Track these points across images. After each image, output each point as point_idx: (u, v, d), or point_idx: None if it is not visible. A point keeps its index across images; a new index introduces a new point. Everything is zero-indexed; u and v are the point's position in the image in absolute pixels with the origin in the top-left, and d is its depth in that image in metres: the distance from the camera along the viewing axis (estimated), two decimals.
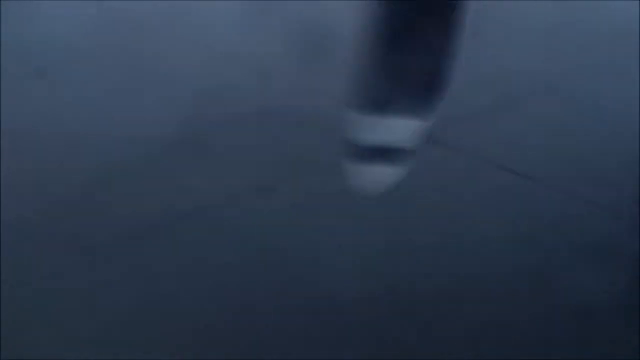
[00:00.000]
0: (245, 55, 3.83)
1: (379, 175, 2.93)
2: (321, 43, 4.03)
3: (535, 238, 2.53)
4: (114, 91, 3.47)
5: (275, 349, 2.05)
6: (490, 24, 4.42)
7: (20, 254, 2.36)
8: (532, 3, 4.43)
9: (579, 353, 2.07)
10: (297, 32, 4.16)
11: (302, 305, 2.21)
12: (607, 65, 3.82)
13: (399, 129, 3.23)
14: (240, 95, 3.43)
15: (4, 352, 1.92)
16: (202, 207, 2.63)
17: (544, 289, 2.29)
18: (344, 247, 2.46)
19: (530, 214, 2.66)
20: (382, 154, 3.09)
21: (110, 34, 3.99)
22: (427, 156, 3.03)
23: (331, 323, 2.13)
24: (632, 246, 2.51)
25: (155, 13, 4.12)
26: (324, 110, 3.34)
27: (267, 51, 3.91)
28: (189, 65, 3.79)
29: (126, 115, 3.28)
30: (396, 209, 2.65)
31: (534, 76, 3.73)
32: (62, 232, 2.49)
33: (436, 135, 3.16)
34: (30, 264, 2.34)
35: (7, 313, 2.09)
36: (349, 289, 2.27)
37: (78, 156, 2.96)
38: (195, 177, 2.81)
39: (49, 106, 3.35)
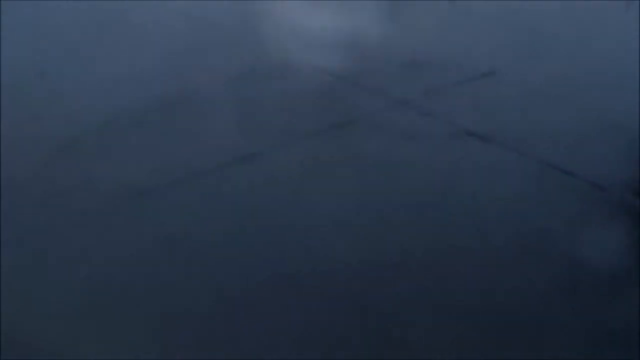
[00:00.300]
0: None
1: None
2: None
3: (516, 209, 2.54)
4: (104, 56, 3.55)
5: (264, 318, 2.06)
6: None
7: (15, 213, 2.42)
8: None
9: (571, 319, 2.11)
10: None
11: (293, 272, 2.23)
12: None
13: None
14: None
15: (4, 353, 1.92)
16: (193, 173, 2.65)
17: (535, 262, 2.30)
18: (333, 214, 2.47)
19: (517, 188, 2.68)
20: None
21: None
22: (406, 123, 3.08)
23: (319, 289, 2.15)
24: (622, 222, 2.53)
25: None
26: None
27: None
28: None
29: (115, 81, 3.30)
30: (382, 176, 2.69)
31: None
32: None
33: (415, 103, 3.20)
34: (25, 223, 2.39)
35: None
36: (340, 256, 2.28)
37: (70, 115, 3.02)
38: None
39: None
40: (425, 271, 2.26)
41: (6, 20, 3.93)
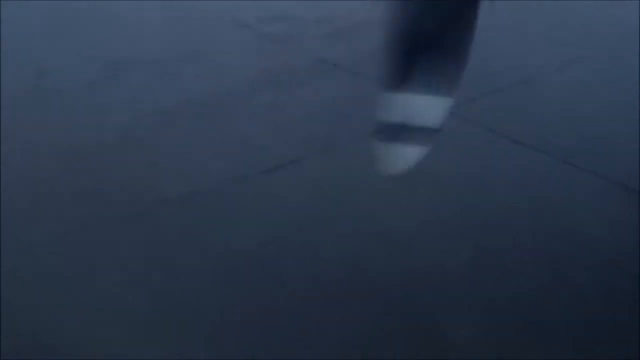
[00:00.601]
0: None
1: (403, 153, 2.92)
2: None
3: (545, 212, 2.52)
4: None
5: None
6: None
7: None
8: None
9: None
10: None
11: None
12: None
13: (423, 106, 3.21)
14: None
15: (4, 353, 1.91)
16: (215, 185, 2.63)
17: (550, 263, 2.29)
18: (362, 221, 2.45)
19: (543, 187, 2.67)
20: (407, 131, 3.07)
21: None
22: (448, 131, 3.02)
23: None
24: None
25: None
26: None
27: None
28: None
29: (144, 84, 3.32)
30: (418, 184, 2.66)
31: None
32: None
33: (457, 111, 3.14)
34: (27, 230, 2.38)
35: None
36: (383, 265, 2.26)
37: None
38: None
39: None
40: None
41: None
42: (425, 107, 3.22)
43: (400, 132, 3.07)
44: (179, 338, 2.00)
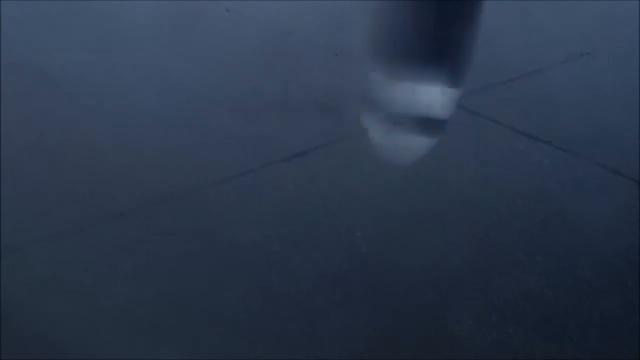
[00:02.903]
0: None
1: (409, 142, 2.91)
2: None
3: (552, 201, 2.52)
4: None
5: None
6: None
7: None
8: None
9: None
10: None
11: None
12: None
13: (429, 96, 3.21)
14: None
15: (4, 353, 1.89)
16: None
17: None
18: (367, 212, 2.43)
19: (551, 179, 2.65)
20: (413, 121, 3.07)
21: None
22: (453, 123, 3.03)
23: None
24: None
25: None
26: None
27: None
28: None
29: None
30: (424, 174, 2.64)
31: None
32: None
33: (463, 103, 3.14)
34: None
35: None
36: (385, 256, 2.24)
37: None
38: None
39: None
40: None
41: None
42: (429, 98, 3.23)
43: (404, 123, 3.09)
44: (182, 335, 1.98)
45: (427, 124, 3.03)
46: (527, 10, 4.29)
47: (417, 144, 2.90)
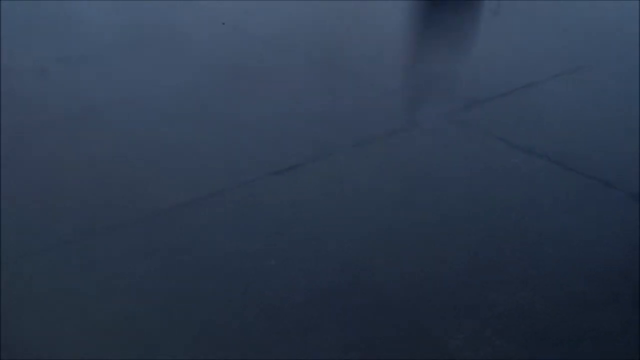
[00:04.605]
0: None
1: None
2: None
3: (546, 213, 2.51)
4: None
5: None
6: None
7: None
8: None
9: None
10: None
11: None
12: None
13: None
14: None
15: (4, 352, 1.89)
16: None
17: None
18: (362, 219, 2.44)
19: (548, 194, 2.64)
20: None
21: None
22: (447, 134, 3.03)
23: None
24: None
25: None
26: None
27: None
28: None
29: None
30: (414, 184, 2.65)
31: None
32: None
33: (456, 116, 3.14)
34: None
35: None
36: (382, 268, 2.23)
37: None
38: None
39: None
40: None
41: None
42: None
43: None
44: (175, 346, 1.98)
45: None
46: (522, 24, 4.31)
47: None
